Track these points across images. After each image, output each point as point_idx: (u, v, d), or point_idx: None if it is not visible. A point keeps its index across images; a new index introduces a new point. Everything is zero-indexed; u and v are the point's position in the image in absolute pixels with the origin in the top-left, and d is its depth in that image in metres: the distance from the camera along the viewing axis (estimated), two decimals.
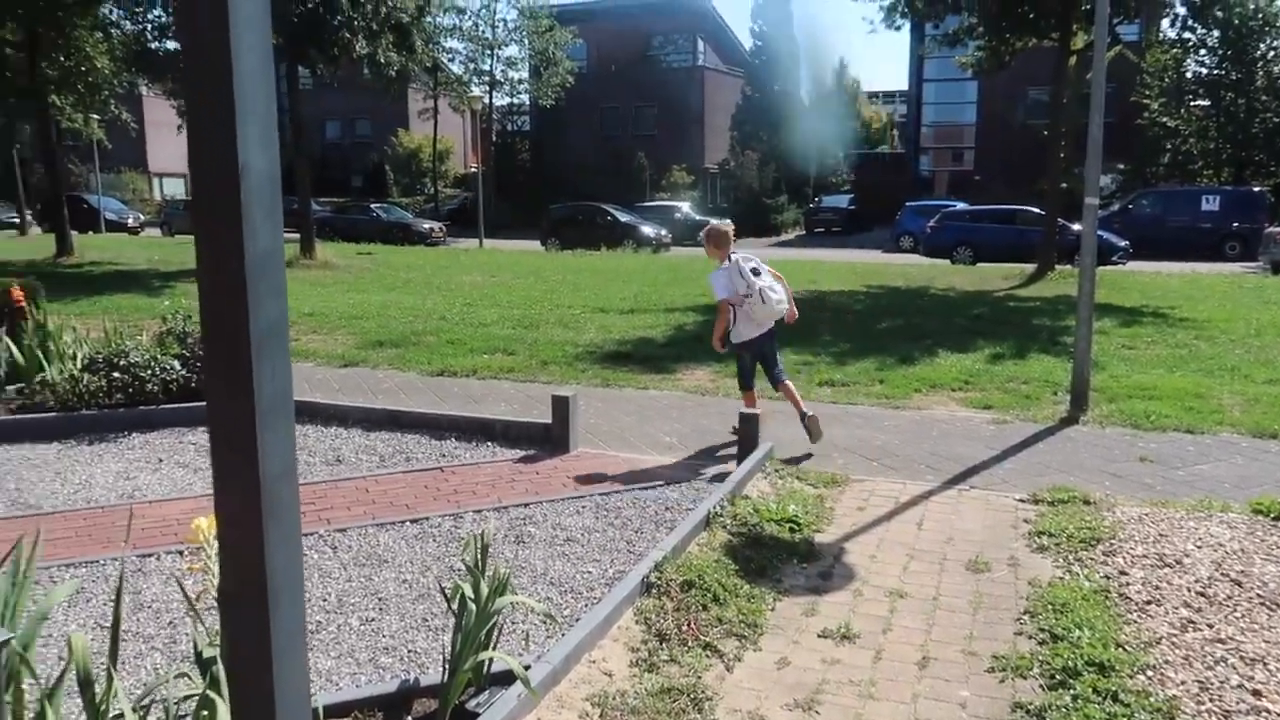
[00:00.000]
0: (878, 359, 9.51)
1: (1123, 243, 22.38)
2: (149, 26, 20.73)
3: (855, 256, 26.18)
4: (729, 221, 6.73)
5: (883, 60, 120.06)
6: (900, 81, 52.99)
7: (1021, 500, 5.30)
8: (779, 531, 4.68)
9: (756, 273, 6.27)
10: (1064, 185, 18.83)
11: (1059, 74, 17.62)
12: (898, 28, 19.71)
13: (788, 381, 6.57)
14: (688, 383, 8.55)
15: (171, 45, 20.51)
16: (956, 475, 5.82)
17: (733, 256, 6.33)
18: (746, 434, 5.84)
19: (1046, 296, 15.23)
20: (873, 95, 65.92)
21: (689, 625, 3.65)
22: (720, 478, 5.51)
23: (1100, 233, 8.74)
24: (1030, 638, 3.64)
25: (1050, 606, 3.84)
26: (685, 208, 34.82)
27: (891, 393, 8.09)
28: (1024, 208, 24.51)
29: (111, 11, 21.34)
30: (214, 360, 1.32)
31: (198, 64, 1.24)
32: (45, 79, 20.16)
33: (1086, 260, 7.34)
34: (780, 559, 4.39)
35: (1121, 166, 34.48)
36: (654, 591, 3.90)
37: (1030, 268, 18.39)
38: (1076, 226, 19.11)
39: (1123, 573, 4.21)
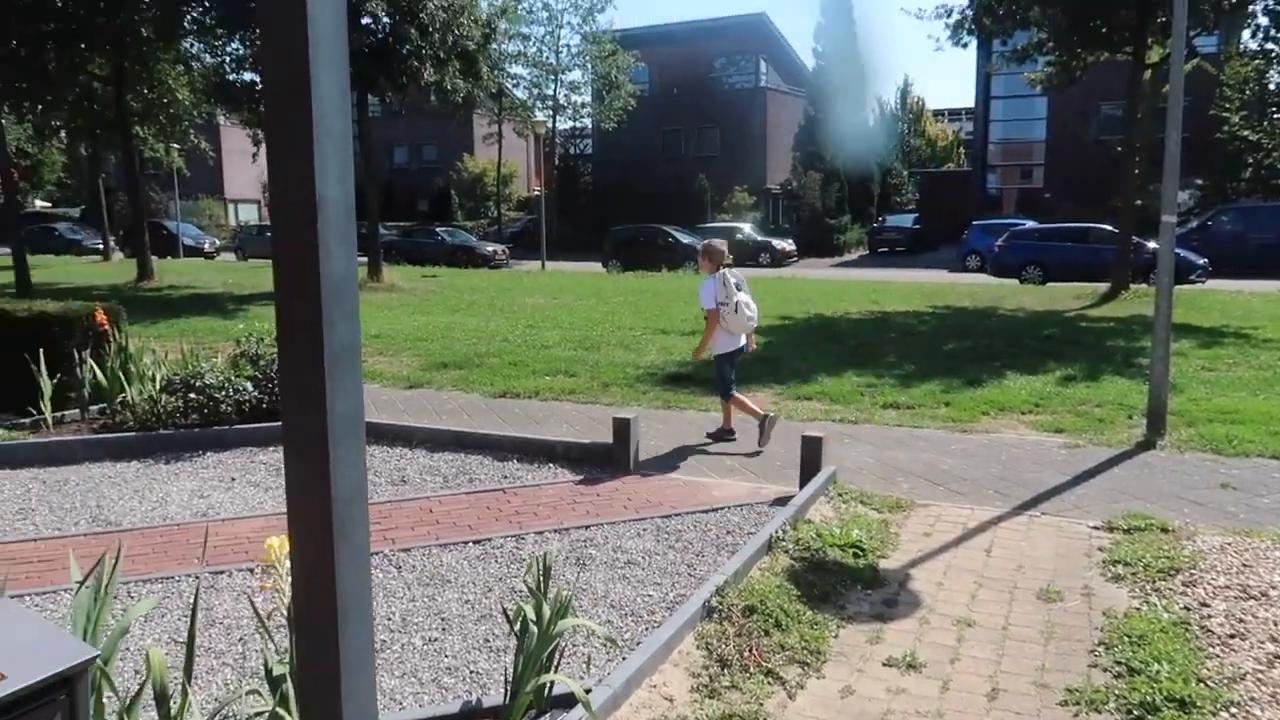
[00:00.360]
0: (944, 381, 9.34)
1: (1201, 260, 21.67)
2: (227, 59, 21.57)
3: (921, 276, 25.79)
4: (724, 240, 7.69)
5: (948, 76, 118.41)
6: (966, 98, 52.24)
7: (1095, 527, 5.14)
8: (842, 557, 4.61)
9: (739, 287, 7.02)
10: (1139, 202, 18.30)
11: (1133, 88, 17.19)
12: (964, 45, 19.43)
13: (737, 395, 7.15)
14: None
15: (248, 77, 21.30)
16: (1027, 501, 5.68)
17: (721, 271, 7.02)
18: (809, 457, 5.78)
19: (1120, 316, 14.80)
20: (938, 113, 65.17)
21: (750, 651, 3.61)
22: (782, 501, 5.46)
23: (1177, 250, 8.48)
24: (1105, 670, 3.52)
25: (1126, 638, 3.72)
26: (747, 229, 34.67)
27: (958, 415, 7.93)
28: (1096, 225, 23.89)
29: (192, 46, 22.28)
30: (290, 378, 1.37)
31: (279, 103, 1.30)
32: (130, 111, 21.11)
33: (1164, 279, 7.15)
34: (844, 585, 4.33)
35: (1200, 182, 33.36)
36: (715, 616, 3.87)
37: (1103, 287, 17.90)
38: (1152, 244, 18.60)
39: (1204, 604, 4.05)
